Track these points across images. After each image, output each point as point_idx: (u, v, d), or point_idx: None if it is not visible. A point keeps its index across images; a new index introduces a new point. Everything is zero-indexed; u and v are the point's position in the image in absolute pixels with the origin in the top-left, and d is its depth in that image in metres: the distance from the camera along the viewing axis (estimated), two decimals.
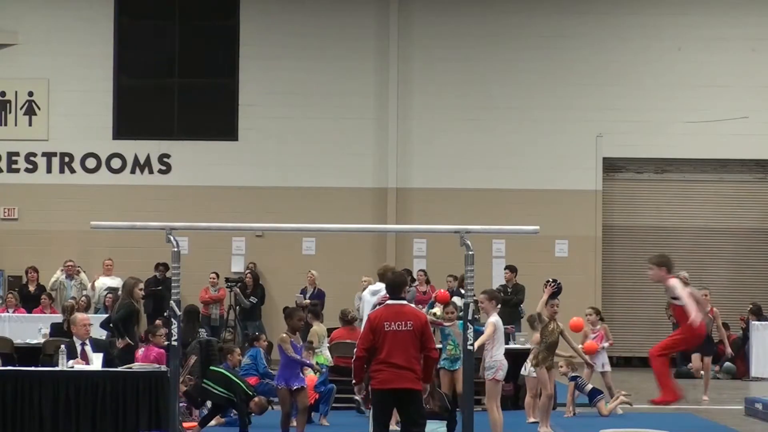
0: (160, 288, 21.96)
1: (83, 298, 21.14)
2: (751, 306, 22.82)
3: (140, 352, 14.26)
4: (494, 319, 12.79)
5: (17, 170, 24.49)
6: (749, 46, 24.65)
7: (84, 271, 22.73)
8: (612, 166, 24.80)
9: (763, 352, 21.97)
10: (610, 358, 17.47)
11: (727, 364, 22.19)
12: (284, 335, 12.52)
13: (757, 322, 22.29)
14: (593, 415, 15.78)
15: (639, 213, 24.88)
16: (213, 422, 14.26)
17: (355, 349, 10.18)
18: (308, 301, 21.86)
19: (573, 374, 16.05)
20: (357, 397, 10.33)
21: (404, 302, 10.23)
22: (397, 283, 10.18)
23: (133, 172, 24.53)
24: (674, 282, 11.60)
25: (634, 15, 24.74)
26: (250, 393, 13.83)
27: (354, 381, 10.16)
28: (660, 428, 13.31)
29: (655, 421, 14.70)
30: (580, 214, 24.26)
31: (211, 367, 14.12)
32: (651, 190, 24.88)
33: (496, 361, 12.81)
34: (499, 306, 13.36)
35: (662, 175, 24.94)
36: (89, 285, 22.42)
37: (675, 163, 24.87)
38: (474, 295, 10.97)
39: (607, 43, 24.71)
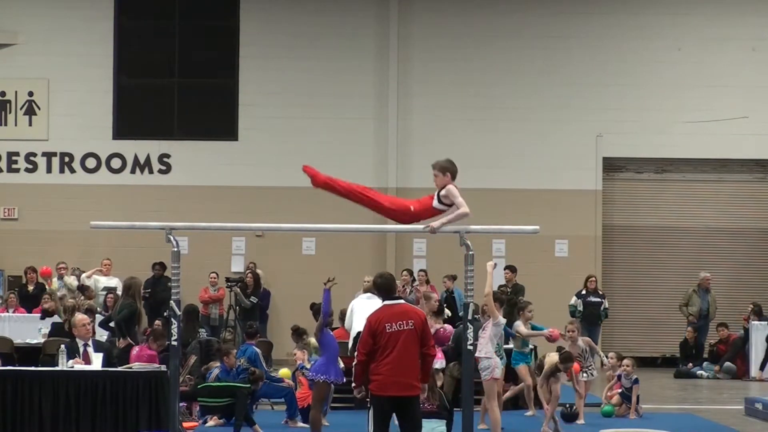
0: (149, 291, 21.83)
1: (81, 297, 21.09)
2: (751, 306, 22.82)
3: (135, 350, 14.25)
4: (503, 320, 13.31)
5: (17, 170, 24.48)
6: (749, 46, 24.65)
7: (78, 271, 22.57)
8: (612, 166, 24.80)
9: (763, 353, 21.97)
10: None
11: (727, 364, 22.20)
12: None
13: (757, 322, 22.29)
14: (594, 415, 15.76)
15: (639, 213, 24.88)
16: (212, 422, 14.29)
17: (355, 353, 10.12)
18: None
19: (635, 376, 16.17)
20: (356, 395, 10.30)
21: (401, 301, 10.24)
22: (388, 284, 10.15)
23: (133, 172, 24.54)
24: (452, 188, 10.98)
25: (634, 15, 24.74)
26: (247, 387, 13.87)
27: (354, 385, 10.14)
28: (660, 428, 13.32)
29: (655, 421, 14.72)
30: (580, 214, 24.26)
31: (200, 385, 14.13)
32: (651, 190, 24.89)
33: (490, 360, 12.94)
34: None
35: (662, 175, 24.94)
36: (82, 278, 22.17)
37: (675, 163, 24.88)
38: (474, 296, 10.96)
39: (607, 43, 24.71)
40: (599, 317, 22.39)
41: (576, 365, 15.06)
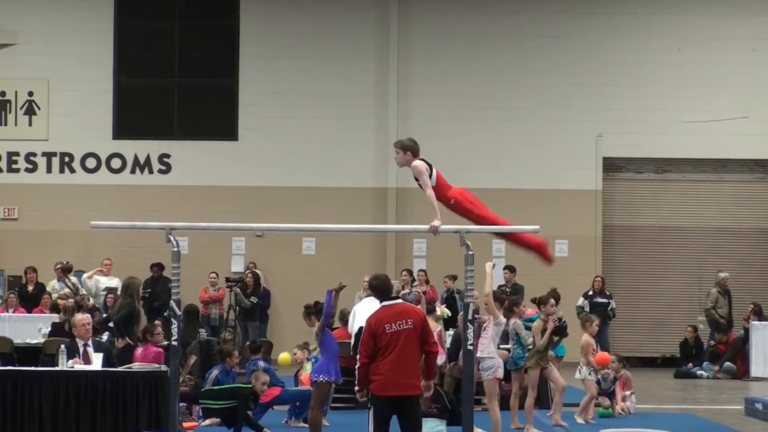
0: (149, 290, 21.92)
1: (80, 296, 21.09)
2: (752, 306, 22.81)
3: (138, 351, 14.28)
4: (503, 319, 13.42)
5: (17, 170, 24.49)
6: (749, 46, 24.65)
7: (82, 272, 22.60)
8: (612, 166, 24.80)
9: (763, 352, 21.97)
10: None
11: (727, 364, 22.19)
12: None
13: (757, 322, 22.28)
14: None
15: (639, 213, 24.88)
16: (207, 422, 14.30)
17: (357, 356, 10.12)
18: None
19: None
20: (359, 398, 10.29)
21: (399, 301, 10.25)
22: (383, 285, 10.15)
23: (133, 172, 24.54)
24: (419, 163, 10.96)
25: (634, 15, 24.74)
26: (249, 387, 13.86)
27: (357, 388, 10.12)
28: (660, 428, 13.30)
29: (655, 421, 14.70)
30: (580, 214, 24.26)
31: (203, 389, 14.13)
32: (651, 190, 24.89)
33: (492, 360, 12.98)
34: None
35: (662, 175, 24.94)
36: (84, 279, 22.21)
37: (675, 163, 24.88)
38: (474, 295, 10.96)
39: (607, 43, 24.72)
40: (607, 317, 22.35)
41: (591, 339, 15.07)
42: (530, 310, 15.90)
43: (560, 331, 14.59)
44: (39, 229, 24.13)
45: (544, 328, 14.30)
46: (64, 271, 21.65)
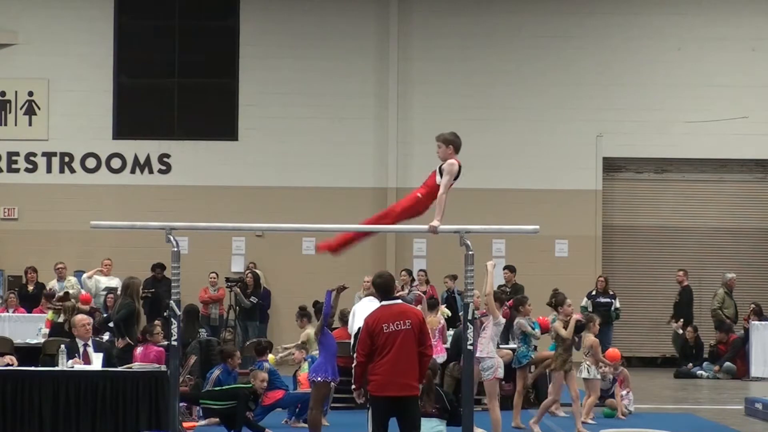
0: (153, 290, 21.98)
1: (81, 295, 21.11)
2: (752, 306, 22.80)
3: (138, 351, 14.29)
4: (503, 319, 13.45)
5: (17, 170, 24.49)
6: (749, 46, 24.66)
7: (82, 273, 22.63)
8: (612, 166, 24.81)
9: (763, 352, 21.97)
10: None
11: (727, 364, 22.19)
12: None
13: (757, 322, 22.28)
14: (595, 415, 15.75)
15: (639, 213, 24.89)
16: (204, 422, 14.30)
17: (354, 354, 10.13)
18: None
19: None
20: (356, 399, 10.29)
21: (399, 301, 10.24)
22: (386, 284, 10.14)
23: (133, 172, 24.54)
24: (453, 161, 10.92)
25: (635, 15, 24.75)
26: (248, 387, 13.85)
27: (354, 387, 10.12)
28: (660, 428, 13.31)
29: (655, 421, 14.70)
30: (580, 214, 24.26)
31: (204, 389, 14.14)
32: (651, 190, 24.90)
33: (492, 359, 12.98)
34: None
35: (662, 175, 24.95)
36: (84, 279, 22.23)
37: (675, 163, 24.88)
38: (474, 295, 10.95)
39: (608, 43, 24.71)
40: (610, 317, 22.31)
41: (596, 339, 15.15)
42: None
43: (580, 328, 14.57)
44: (39, 229, 24.12)
45: (565, 327, 14.27)
46: (47, 297, 21.55)
